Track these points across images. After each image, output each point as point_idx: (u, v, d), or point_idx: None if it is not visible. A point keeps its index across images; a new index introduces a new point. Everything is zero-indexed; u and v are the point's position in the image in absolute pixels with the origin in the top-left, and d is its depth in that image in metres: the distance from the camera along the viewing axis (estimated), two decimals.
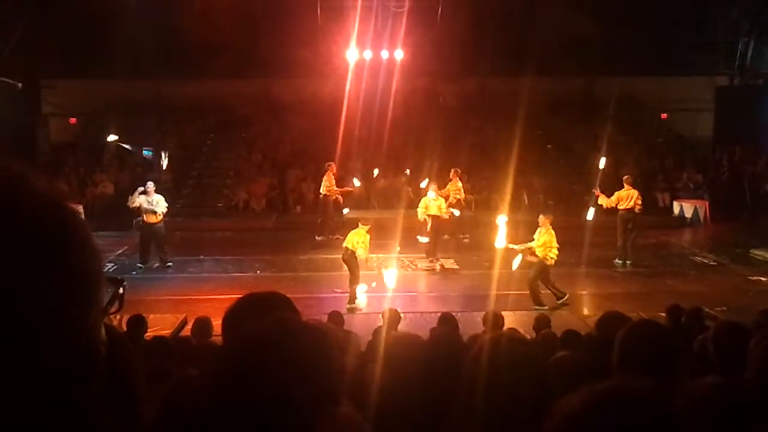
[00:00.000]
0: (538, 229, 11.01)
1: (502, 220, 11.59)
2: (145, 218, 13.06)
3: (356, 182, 16.31)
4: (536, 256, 10.84)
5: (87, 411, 0.82)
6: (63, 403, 0.78)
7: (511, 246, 11.22)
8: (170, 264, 13.35)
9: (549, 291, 10.99)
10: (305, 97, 21.40)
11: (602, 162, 14.69)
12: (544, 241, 10.80)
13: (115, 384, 1.18)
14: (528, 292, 10.98)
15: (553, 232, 10.87)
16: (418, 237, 13.89)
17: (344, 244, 11.24)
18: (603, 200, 13.75)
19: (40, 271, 0.75)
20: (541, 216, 11.17)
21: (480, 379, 2.02)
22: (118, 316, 8.46)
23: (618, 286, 12.53)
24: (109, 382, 0.88)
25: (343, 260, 11.20)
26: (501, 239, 11.37)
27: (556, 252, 10.88)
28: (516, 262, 11.20)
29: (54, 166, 19.67)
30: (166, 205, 13.33)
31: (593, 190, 14.07)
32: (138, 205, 13.06)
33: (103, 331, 0.89)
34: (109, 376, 0.87)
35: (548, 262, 10.80)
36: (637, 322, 3.08)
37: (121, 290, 1.01)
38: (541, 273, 10.87)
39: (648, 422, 1.03)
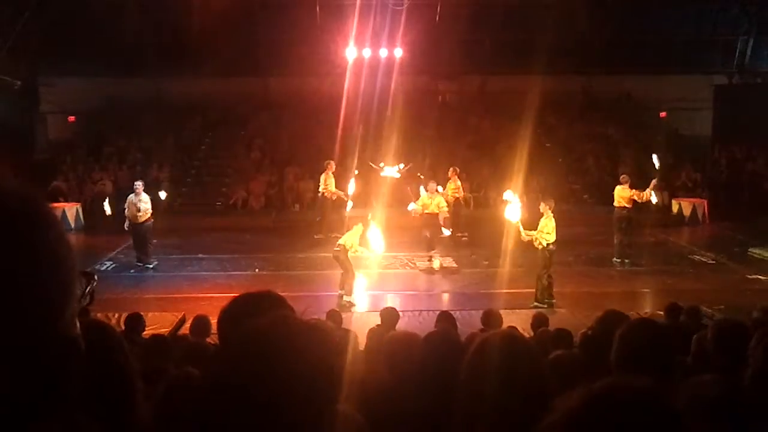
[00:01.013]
0: (541, 218, 10.97)
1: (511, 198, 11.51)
2: (131, 218, 13.05)
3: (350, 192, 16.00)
4: (540, 244, 10.80)
5: (65, 405, 0.81)
6: (39, 398, 0.78)
7: (522, 230, 11.12)
8: (150, 265, 13.28)
9: (538, 287, 10.97)
10: (304, 96, 21.40)
11: (655, 159, 14.46)
12: (541, 227, 10.78)
13: (109, 382, 1.17)
14: (523, 291, 11.01)
15: (552, 219, 10.80)
16: (443, 230, 13.67)
17: (339, 242, 11.26)
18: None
19: (15, 269, 0.75)
20: (542, 203, 11.08)
21: (478, 376, 2.02)
22: (116, 315, 8.48)
23: (616, 284, 12.53)
24: (102, 381, 0.88)
25: (335, 257, 11.23)
26: (514, 212, 11.19)
27: (552, 237, 10.77)
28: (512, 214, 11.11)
29: (52, 164, 19.65)
30: (148, 206, 13.26)
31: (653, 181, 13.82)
32: (126, 206, 13.11)
33: (77, 325, 0.89)
34: (103, 375, 0.87)
35: (539, 246, 10.75)
36: (636, 321, 3.08)
37: (93, 284, 1.01)
38: (548, 265, 10.86)
39: (648, 420, 1.02)
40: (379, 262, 13.11)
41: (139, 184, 13.34)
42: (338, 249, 11.13)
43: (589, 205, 18.56)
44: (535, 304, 10.68)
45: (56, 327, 0.79)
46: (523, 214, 11.26)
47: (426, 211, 13.60)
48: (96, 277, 1.02)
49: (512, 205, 11.22)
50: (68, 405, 0.82)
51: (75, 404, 0.84)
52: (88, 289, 0.99)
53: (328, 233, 15.51)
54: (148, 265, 13.23)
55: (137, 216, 12.98)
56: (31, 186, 0.83)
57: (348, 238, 11.12)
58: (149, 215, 13.14)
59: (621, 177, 14.08)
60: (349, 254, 11.12)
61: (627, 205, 13.61)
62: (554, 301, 10.86)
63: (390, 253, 13.28)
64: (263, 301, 2.01)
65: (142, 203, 13.07)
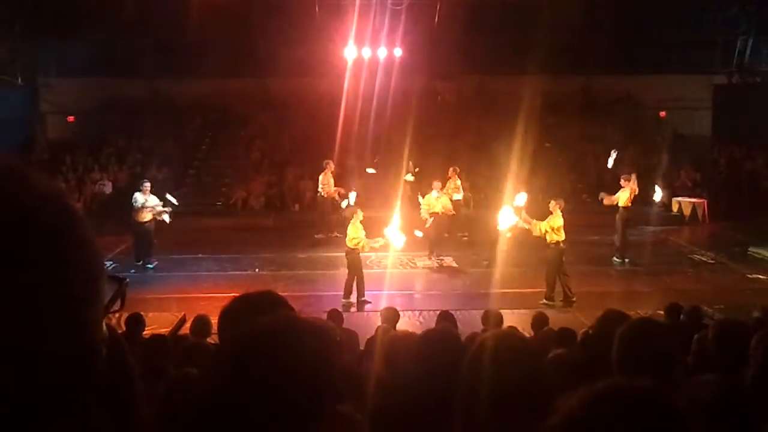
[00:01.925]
0: (550, 216, 10.98)
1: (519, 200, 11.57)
2: (137, 218, 13.03)
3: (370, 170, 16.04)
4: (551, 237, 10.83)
5: (85, 410, 0.81)
6: (61, 402, 0.78)
7: (520, 223, 11.16)
8: (150, 265, 13.27)
9: (561, 288, 11.00)
10: (304, 96, 21.39)
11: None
12: (550, 222, 10.80)
13: (112, 383, 1.17)
14: (524, 291, 11.01)
15: (561, 217, 10.83)
16: (416, 231, 13.79)
17: (347, 243, 11.20)
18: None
19: (38, 267, 0.74)
20: (552, 201, 11.15)
21: (479, 377, 2.02)
22: (117, 314, 8.49)
23: (616, 284, 12.53)
24: (106, 381, 0.87)
25: (346, 255, 11.21)
26: (506, 219, 11.23)
27: (562, 236, 10.81)
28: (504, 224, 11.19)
29: (52, 164, 19.64)
30: (161, 203, 13.33)
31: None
32: (140, 206, 13.04)
33: (104, 329, 0.89)
34: (106, 376, 0.87)
35: (549, 239, 10.79)
36: (637, 321, 3.07)
37: (123, 288, 1.00)
38: (556, 263, 10.85)
39: (650, 420, 1.02)
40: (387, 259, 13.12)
41: (147, 184, 13.34)
42: (347, 250, 11.09)
43: (588, 204, 18.55)
44: (544, 301, 10.73)
45: (77, 328, 0.78)
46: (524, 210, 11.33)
47: (432, 211, 13.63)
48: (127, 280, 1.01)
49: (505, 213, 11.25)
50: (86, 407, 0.82)
51: (92, 406, 0.83)
52: (118, 293, 0.98)
53: (327, 233, 15.53)
54: (148, 265, 13.23)
55: (143, 215, 12.98)
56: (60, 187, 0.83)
57: (352, 234, 11.04)
58: (153, 216, 13.18)
59: (623, 177, 14.08)
60: (364, 250, 11.06)
61: (629, 205, 13.64)
62: (575, 300, 10.89)
63: (391, 253, 13.26)
64: (264, 301, 2.01)
65: (162, 204, 13.16)
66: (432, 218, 13.69)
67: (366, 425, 2.32)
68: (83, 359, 0.80)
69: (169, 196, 13.83)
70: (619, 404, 1.04)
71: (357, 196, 14.95)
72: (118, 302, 0.99)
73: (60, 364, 0.77)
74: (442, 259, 13.67)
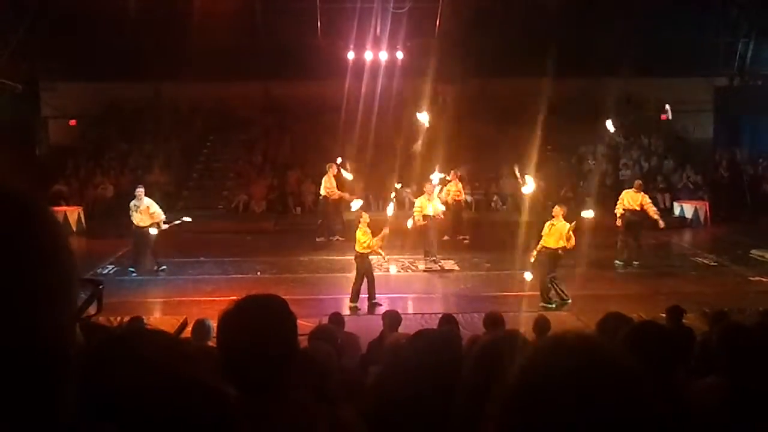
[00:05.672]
0: (552, 221, 10.99)
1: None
2: (136, 222, 13.01)
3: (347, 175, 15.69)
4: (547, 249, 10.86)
5: (56, 414, 0.79)
6: (29, 407, 0.76)
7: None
8: (164, 267, 13.26)
9: (554, 290, 11.00)
10: (305, 99, 21.42)
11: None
12: (559, 231, 10.81)
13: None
14: (526, 294, 11.01)
15: (564, 223, 10.86)
16: (408, 222, 13.51)
17: (357, 248, 11.13)
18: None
19: (6, 270, 0.73)
20: (556, 207, 11.18)
21: (480, 380, 2.01)
22: (118, 318, 8.47)
23: (618, 287, 12.50)
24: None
25: (354, 259, 11.21)
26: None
27: (564, 243, 10.85)
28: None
29: (54, 168, 19.66)
30: (158, 209, 13.27)
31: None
32: (135, 211, 13.03)
33: (79, 333, 0.87)
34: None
35: (559, 251, 10.81)
36: (639, 323, 3.07)
37: (99, 292, 0.98)
38: (551, 267, 10.85)
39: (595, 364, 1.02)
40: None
41: (140, 189, 13.32)
42: (356, 254, 11.07)
43: (590, 207, 18.51)
44: (542, 305, 10.71)
45: (47, 333, 0.77)
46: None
47: (425, 213, 13.59)
48: (102, 285, 0.99)
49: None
50: (57, 411, 0.80)
51: (64, 410, 0.82)
52: (93, 297, 0.96)
53: (329, 237, 15.52)
54: (163, 268, 13.20)
55: (141, 220, 12.95)
56: (33, 189, 0.81)
57: (362, 238, 10.98)
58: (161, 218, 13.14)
59: (635, 183, 14.14)
60: (378, 250, 11.06)
61: (638, 209, 13.65)
62: (570, 300, 10.88)
63: (391, 256, 13.26)
64: (264, 305, 2.01)
65: (154, 210, 13.07)
66: (424, 220, 13.63)
67: (365, 427, 2.32)
68: (50, 364, 0.78)
69: (185, 218, 13.79)
70: (566, 355, 1.04)
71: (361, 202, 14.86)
72: (95, 306, 0.97)
73: (23, 368, 0.75)
74: (440, 263, 13.61)
